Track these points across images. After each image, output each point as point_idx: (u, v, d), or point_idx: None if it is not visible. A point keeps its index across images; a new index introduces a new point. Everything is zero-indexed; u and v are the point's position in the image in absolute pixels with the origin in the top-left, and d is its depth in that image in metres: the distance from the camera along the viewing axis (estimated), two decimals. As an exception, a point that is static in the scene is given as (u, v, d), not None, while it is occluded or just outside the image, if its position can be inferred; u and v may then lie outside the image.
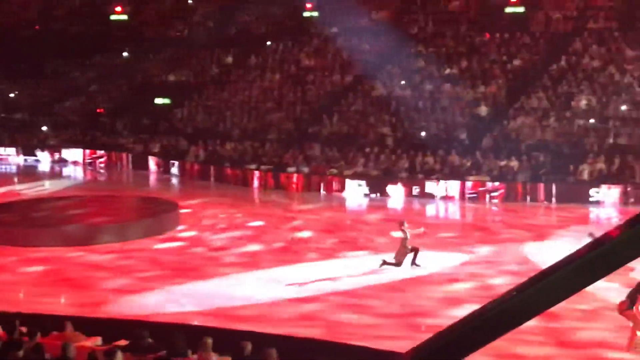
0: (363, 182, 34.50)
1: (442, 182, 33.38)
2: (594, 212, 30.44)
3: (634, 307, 14.75)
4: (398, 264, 20.83)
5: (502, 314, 1.66)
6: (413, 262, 21.02)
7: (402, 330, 16.10)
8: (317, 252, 23.59)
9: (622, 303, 14.98)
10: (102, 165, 43.32)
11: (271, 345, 11.13)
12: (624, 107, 35.22)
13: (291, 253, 23.55)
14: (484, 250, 23.64)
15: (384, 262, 20.92)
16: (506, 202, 32.02)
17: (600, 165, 32.51)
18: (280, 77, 44.04)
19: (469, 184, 33.18)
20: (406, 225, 21.26)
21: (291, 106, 41.40)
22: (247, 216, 29.51)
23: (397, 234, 21.15)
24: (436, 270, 21.19)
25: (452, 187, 33.24)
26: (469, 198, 32.75)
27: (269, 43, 46.94)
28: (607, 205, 30.96)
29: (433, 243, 23.72)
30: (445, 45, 41.93)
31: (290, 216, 29.90)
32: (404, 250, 20.85)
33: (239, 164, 37.83)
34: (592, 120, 34.94)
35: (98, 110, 47.14)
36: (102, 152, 43.61)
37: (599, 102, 35.81)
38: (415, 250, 21.01)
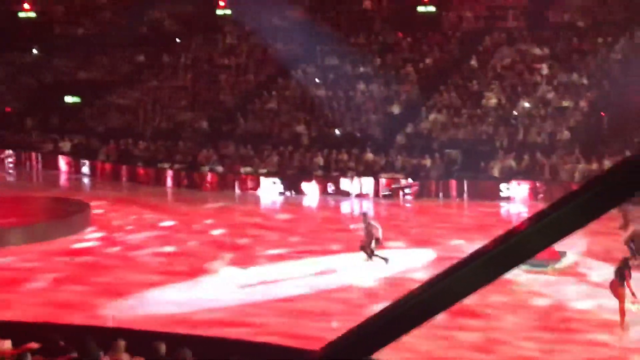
0: (278, 180, 34.51)
1: (356, 179, 33.61)
2: (504, 207, 31.04)
3: (624, 283, 15.34)
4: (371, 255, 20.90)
5: (414, 308, 1.67)
6: (372, 255, 20.90)
7: (316, 331, 16.14)
8: (233, 252, 23.48)
9: (612, 282, 15.56)
10: (11, 164, 42.33)
11: (186, 346, 11.03)
12: (530, 105, 35.99)
13: (203, 253, 23.38)
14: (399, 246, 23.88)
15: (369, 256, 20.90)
16: (419, 199, 32.41)
17: (510, 162, 33.19)
18: (193, 75, 43.72)
19: (383, 181, 33.50)
20: (369, 217, 21.35)
21: (205, 105, 41.14)
22: (160, 216, 29.18)
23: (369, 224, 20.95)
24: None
25: (367, 184, 33.51)
26: (383, 195, 33.06)
27: (178, 40, 46.57)
28: (517, 201, 31.63)
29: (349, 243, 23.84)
30: (359, 44, 42.23)
31: (204, 214, 29.67)
32: (369, 241, 20.87)
33: (151, 163, 37.42)
34: (515, 113, 35.60)
35: (6, 109, 46.06)
36: (11, 151, 42.62)
37: (509, 100, 36.56)
38: (377, 241, 20.94)
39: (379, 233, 20.96)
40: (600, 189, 1.56)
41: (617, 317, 15.59)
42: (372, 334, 1.66)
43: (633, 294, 15.67)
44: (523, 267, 18.96)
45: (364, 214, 21.84)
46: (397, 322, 1.63)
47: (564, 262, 20.18)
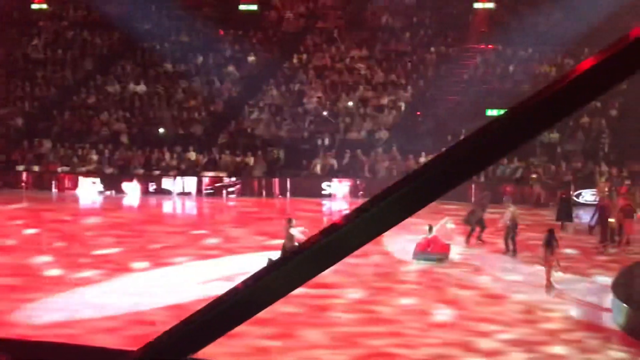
0: (97, 179, 33.72)
1: (179, 178, 33.32)
2: (326, 205, 31.57)
3: (552, 252, 17.83)
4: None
5: (237, 305, 1.67)
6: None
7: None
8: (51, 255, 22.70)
9: (541, 251, 18.15)
10: None
11: (4, 350, 10.59)
12: (351, 104, 36.81)
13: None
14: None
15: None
16: (243, 197, 32.49)
17: (332, 160, 33.82)
18: (7, 70, 41.94)
19: (205, 179, 33.37)
20: (294, 222, 20.88)
21: (19, 101, 39.58)
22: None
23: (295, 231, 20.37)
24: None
25: (189, 183, 33.27)
26: (206, 194, 32.93)
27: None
28: (338, 199, 32.26)
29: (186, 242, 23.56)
30: (181, 41, 41.79)
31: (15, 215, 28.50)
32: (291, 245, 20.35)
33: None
34: (325, 113, 36.24)
35: None
36: None
37: (329, 99, 37.22)
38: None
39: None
40: (416, 184, 1.61)
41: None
42: (195, 332, 1.65)
43: (558, 261, 18.17)
44: (418, 260, 20.51)
45: (289, 220, 21.33)
46: (221, 319, 1.63)
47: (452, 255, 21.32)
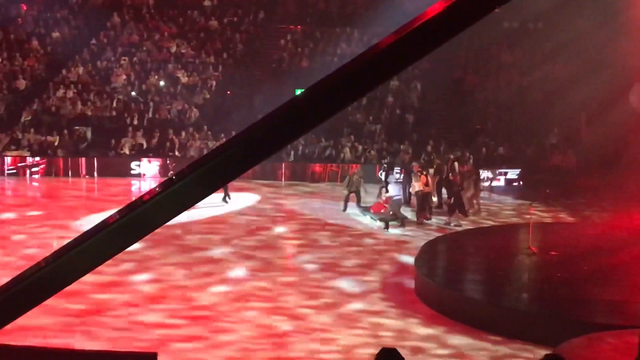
0: None
1: (-22, 158, 31.87)
2: (135, 184, 31.10)
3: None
4: None
5: (40, 281, 1.66)
6: None
7: None
8: None
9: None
10: None
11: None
12: (162, 83, 36.33)
13: None
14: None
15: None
16: (47, 177, 31.50)
17: (140, 139, 33.31)
18: None
19: (8, 159, 32.08)
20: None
21: None
22: None
23: None
24: None
25: (-10, 163, 31.89)
26: (9, 174, 31.68)
27: None
28: (147, 178, 31.87)
29: None
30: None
31: None
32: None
33: None
34: (133, 94, 35.62)
35: None
36: None
37: (138, 77, 36.55)
38: None
39: None
40: (220, 161, 1.64)
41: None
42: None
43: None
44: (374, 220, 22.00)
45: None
46: (23, 295, 1.60)
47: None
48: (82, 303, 14.94)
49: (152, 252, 18.90)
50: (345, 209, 24.92)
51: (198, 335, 13.66)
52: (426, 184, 23.70)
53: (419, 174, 23.92)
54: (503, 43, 37.31)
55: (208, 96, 36.04)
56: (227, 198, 25.70)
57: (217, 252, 19.78)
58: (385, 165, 28.35)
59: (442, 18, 1.54)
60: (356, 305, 15.44)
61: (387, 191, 24.21)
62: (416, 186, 23.67)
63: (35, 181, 31.47)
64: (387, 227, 22.44)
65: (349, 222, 23.68)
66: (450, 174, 25.37)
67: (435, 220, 23.79)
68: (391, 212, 22.77)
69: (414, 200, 24.57)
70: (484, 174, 29.50)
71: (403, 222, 22.74)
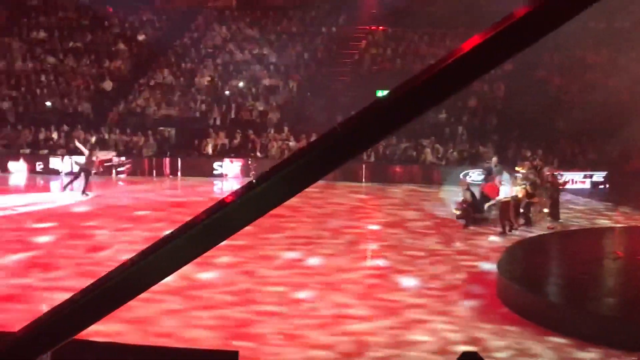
0: (-19, 159, 32.78)
1: (67, 157, 32.63)
2: (217, 184, 31.46)
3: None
4: None
5: (124, 282, 1.67)
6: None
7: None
8: None
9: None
10: None
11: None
12: (242, 84, 36.69)
13: None
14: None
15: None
16: (132, 177, 32.11)
17: (223, 140, 33.70)
18: None
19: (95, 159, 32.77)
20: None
21: None
22: None
23: None
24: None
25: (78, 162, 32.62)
26: (95, 173, 32.37)
27: None
28: (229, 178, 32.22)
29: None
30: (69, 18, 40.80)
31: None
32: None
33: None
34: (216, 95, 36.07)
35: None
36: None
37: (221, 78, 37.00)
38: None
39: None
40: (302, 163, 1.64)
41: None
42: (80, 310, 1.64)
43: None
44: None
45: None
46: (107, 297, 1.63)
47: None
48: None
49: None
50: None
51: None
52: (530, 194, 22.95)
53: (526, 180, 23.36)
54: (589, 43, 36.62)
55: (289, 97, 36.26)
56: None
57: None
58: (495, 164, 27.36)
59: (530, 19, 1.51)
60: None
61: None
62: (518, 191, 22.86)
63: (120, 180, 32.07)
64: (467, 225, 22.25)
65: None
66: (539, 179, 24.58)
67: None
68: (492, 212, 22.53)
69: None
70: (569, 176, 28.97)
71: (479, 222, 22.48)
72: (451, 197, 25.32)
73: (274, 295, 15.67)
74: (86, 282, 1.62)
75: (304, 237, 21.07)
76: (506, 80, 35.65)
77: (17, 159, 32.75)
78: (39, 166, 32.60)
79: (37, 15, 40.63)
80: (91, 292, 1.62)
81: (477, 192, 23.34)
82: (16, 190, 29.57)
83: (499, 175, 23.18)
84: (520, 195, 22.45)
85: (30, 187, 30.17)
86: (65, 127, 34.15)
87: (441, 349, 13.10)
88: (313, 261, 18.60)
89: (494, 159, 25.00)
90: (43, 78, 37.13)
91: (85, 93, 36.56)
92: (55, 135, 33.96)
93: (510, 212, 22.02)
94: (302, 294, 15.87)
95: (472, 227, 22.19)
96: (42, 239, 20.49)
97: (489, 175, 24.52)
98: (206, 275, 16.58)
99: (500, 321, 14.61)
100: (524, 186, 22.69)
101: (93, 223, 22.57)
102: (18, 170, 32.42)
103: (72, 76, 37.33)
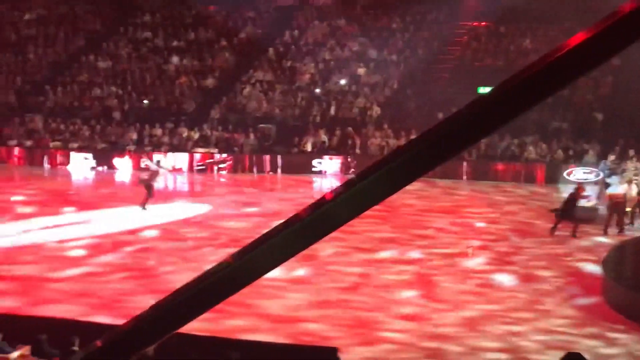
0: (89, 155, 33.68)
1: (170, 154, 33.27)
2: (317, 181, 31.59)
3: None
4: None
5: (225, 278, 1.69)
6: None
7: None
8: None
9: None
10: None
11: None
12: (343, 82, 36.74)
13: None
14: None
15: None
16: (234, 174, 32.52)
17: (323, 137, 33.81)
18: (-2, 45, 41.73)
19: (197, 156, 33.35)
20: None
21: (11, 76, 39.40)
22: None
23: None
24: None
25: (181, 159, 33.25)
26: (197, 170, 32.93)
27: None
28: (328, 175, 32.31)
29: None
30: (172, 16, 41.59)
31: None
32: None
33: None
34: (317, 90, 36.23)
35: None
36: None
37: (321, 76, 37.14)
38: None
39: None
40: (404, 159, 1.62)
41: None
42: (183, 305, 1.66)
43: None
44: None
45: None
46: (209, 292, 1.64)
47: None
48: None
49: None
50: None
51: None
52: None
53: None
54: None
55: (389, 94, 36.13)
56: None
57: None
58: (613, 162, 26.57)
59: (637, 15, 1.46)
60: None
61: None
62: (634, 188, 22.08)
63: (222, 177, 32.52)
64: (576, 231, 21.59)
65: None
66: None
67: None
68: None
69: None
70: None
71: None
72: (560, 197, 24.83)
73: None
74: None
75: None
76: (613, 75, 34.74)
77: (122, 155, 33.55)
78: (143, 162, 33.31)
79: (142, 14, 41.52)
80: (194, 287, 1.64)
81: (591, 191, 22.86)
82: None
83: (612, 174, 22.67)
84: (634, 194, 21.87)
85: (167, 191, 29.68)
86: (169, 124, 34.81)
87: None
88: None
89: (611, 157, 24.46)
90: (147, 76, 37.94)
91: (188, 91, 37.20)
92: (159, 132, 34.65)
93: (620, 210, 21.46)
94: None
95: (578, 227, 21.52)
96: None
97: (601, 173, 24.04)
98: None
99: (606, 324, 14.30)
100: (637, 183, 22.17)
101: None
102: (123, 166, 33.20)
103: (176, 74, 38.04)
